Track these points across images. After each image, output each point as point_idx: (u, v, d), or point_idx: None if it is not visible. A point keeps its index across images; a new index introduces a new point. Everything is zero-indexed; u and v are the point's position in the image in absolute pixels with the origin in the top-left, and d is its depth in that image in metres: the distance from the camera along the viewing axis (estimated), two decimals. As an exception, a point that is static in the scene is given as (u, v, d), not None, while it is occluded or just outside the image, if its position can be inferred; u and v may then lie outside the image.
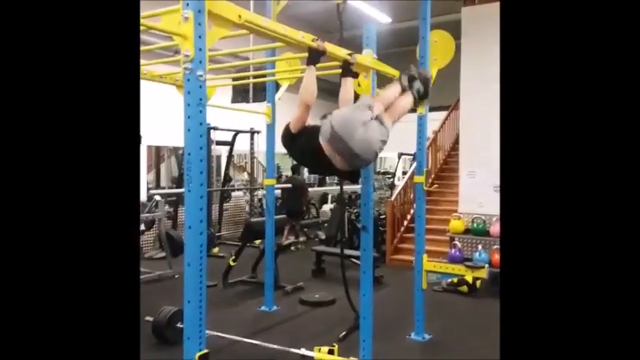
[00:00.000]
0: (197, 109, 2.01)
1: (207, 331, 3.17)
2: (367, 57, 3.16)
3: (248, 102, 6.86)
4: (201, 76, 2.00)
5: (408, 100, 2.65)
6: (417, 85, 2.69)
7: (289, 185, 8.36)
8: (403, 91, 2.66)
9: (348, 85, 2.77)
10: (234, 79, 5.74)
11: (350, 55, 2.79)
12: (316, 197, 11.43)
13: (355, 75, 2.87)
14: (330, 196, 11.57)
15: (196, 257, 2.02)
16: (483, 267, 3.89)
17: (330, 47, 2.62)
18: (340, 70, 2.84)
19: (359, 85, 3.20)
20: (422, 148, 4.16)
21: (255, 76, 5.27)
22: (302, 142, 2.55)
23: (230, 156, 8.75)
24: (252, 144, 8.59)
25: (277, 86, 4.90)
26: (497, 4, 6.57)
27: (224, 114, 5.69)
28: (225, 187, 8.88)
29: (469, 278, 5.55)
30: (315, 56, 2.49)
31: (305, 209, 9.03)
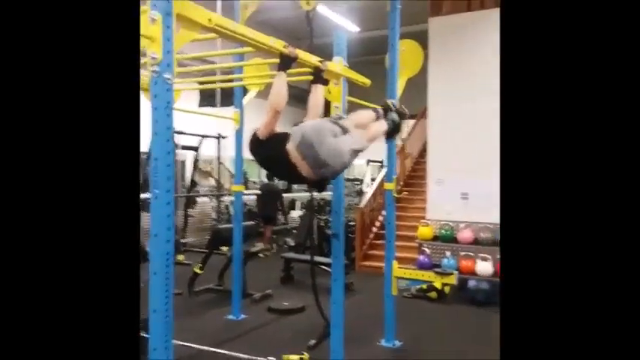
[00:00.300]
0: (164, 112, 1.95)
1: (173, 341, 3.06)
2: (338, 64, 3.16)
3: (215, 106, 6.76)
4: (168, 79, 1.95)
5: (381, 126, 2.70)
6: (393, 115, 2.75)
7: (259, 192, 8.31)
8: (378, 118, 2.71)
9: (318, 92, 2.75)
10: (200, 83, 5.64)
11: (321, 62, 2.78)
12: (284, 203, 11.37)
13: (326, 82, 2.86)
14: (298, 203, 11.53)
15: (162, 266, 1.95)
16: (452, 273, 3.93)
17: (301, 54, 2.60)
18: (310, 77, 2.84)
19: (329, 92, 3.19)
20: (392, 155, 4.18)
21: (222, 81, 5.19)
22: (269, 148, 2.51)
23: (196, 161, 8.61)
24: (218, 149, 8.47)
25: (245, 91, 4.85)
26: (465, 15, 6.72)
27: (190, 118, 5.60)
28: (191, 193, 8.72)
29: (438, 285, 5.60)
30: (286, 62, 2.46)
31: (280, 214, 9.06)
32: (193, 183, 8.57)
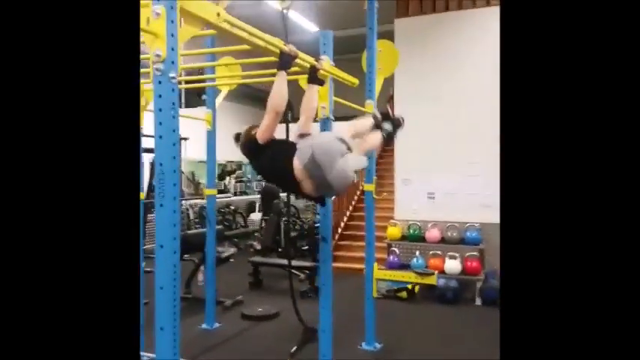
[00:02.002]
0: (170, 114, 1.82)
1: (147, 354, 2.91)
2: (326, 63, 3.09)
3: (180, 107, 6.50)
4: (173, 78, 1.81)
5: (377, 137, 2.72)
6: (387, 125, 2.76)
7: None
8: (376, 126, 2.73)
9: (313, 93, 2.68)
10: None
11: (317, 60, 2.70)
12: (243, 206, 11.15)
13: (321, 82, 2.79)
14: (257, 205, 11.35)
15: (170, 279, 1.81)
16: (433, 274, 3.95)
17: (300, 52, 2.51)
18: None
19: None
20: (371, 157, 4.15)
21: (192, 81, 5.00)
22: (270, 157, 2.43)
23: (154, 164, 8.25)
24: (179, 151, 8.15)
25: (216, 92, 4.69)
26: (431, 17, 6.78)
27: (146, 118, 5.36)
28: (150, 199, 8.36)
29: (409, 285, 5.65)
30: (286, 61, 2.36)
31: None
32: (152, 187, 8.22)
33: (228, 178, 12.43)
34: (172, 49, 1.81)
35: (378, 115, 2.76)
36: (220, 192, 11.39)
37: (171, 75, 1.81)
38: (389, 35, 6.25)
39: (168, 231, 1.81)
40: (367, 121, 2.75)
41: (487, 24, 6.08)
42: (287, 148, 2.39)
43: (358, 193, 8.30)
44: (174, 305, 1.81)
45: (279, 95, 2.32)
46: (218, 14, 1.88)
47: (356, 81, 3.31)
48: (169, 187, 1.80)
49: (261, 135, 2.38)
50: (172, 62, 1.81)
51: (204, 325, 4.61)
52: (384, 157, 9.37)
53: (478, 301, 5.54)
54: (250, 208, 11.26)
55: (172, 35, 1.80)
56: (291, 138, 2.65)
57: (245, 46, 2.42)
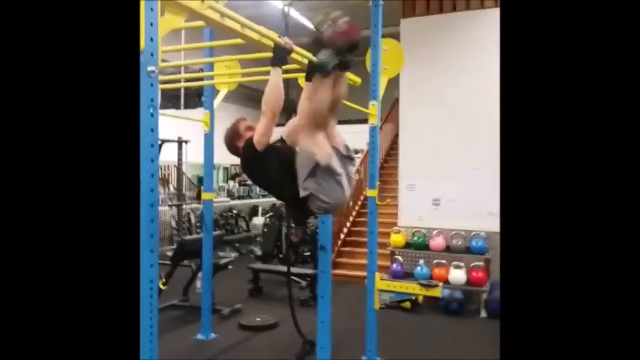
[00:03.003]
0: (148, 111, 1.63)
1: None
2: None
3: (179, 108, 6.33)
4: (153, 72, 1.63)
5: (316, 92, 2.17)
6: (323, 55, 2.13)
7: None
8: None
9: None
10: (162, 82, 5.23)
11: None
12: (245, 209, 10.98)
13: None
14: (260, 209, 11.17)
15: (147, 296, 1.62)
16: (437, 286, 3.74)
17: (296, 47, 2.31)
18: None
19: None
20: (374, 160, 3.95)
21: (187, 80, 4.82)
22: (270, 166, 2.22)
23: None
24: (179, 154, 7.98)
25: (215, 92, 4.51)
26: (437, 17, 6.57)
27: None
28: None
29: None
30: (281, 55, 2.17)
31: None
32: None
33: (231, 181, 12.28)
34: (151, 40, 1.63)
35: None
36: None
37: (151, 69, 1.63)
38: (395, 37, 6.07)
39: (145, 241, 1.62)
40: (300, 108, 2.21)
41: (496, 25, 5.89)
42: (288, 153, 2.18)
43: (362, 198, 8.10)
44: (151, 327, 1.62)
45: (274, 94, 2.12)
46: (203, 1, 1.70)
47: (358, 79, 3.12)
48: (146, 193, 1.61)
49: (258, 140, 2.16)
50: (151, 54, 1.63)
51: (199, 336, 4.42)
52: (388, 161, 9.19)
53: (483, 313, 5.31)
54: (253, 212, 11.09)
55: (151, 24, 1.63)
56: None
57: (239, 41, 2.23)
